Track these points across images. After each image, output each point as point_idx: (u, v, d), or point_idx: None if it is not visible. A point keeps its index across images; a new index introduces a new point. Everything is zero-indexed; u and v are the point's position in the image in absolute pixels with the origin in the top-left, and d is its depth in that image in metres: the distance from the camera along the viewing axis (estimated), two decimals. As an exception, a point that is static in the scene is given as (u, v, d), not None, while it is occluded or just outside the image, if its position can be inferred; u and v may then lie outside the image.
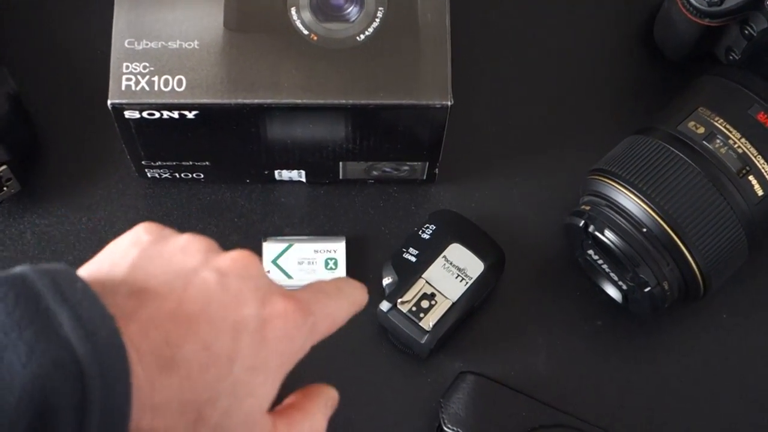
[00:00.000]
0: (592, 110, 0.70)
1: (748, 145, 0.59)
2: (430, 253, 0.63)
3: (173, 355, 0.38)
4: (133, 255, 0.40)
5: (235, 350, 0.39)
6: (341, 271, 0.65)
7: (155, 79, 0.58)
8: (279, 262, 0.65)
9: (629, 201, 0.60)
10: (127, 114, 0.58)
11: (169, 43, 0.58)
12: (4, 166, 0.62)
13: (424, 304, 0.62)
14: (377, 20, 0.59)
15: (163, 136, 0.61)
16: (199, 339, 0.38)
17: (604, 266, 0.63)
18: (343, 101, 0.58)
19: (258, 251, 0.64)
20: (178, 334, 0.38)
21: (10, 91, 0.62)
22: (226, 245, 0.44)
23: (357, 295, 0.46)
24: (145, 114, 0.58)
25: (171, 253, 0.41)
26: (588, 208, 0.61)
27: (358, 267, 0.65)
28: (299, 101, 0.58)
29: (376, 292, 0.63)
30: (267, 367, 0.40)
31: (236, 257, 0.41)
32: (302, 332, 0.42)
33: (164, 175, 0.66)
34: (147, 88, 0.58)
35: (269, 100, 0.58)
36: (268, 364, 0.40)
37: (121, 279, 0.39)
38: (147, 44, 0.58)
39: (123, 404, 0.36)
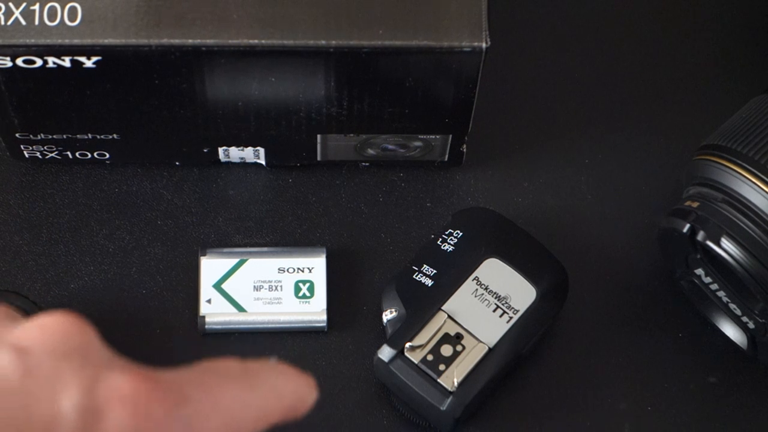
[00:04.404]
0: (696, 58, 0.66)
1: None
2: (454, 273, 0.59)
3: None
4: None
5: None
6: (320, 299, 0.59)
7: (35, 7, 0.54)
8: (225, 286, 0.60)
9: (759, 194, 0.55)
10: (-7, 62, 0.55)
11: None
12: None
13: (446, 350, 0.58)
14: None
15: (47, 96, 0.57)
16: None
17: (721, 294, 0.58)
18: (323, 42, 0.54)
19: (193, 269, 0.60)
20: None
21: None
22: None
23: (288, 387, 0.42)
24: (19, 62, 0.55)
25: None
26: (695, 205, 0.57)
27: (344, 294, 0.61)
28: (255, 42, 0.54)
29: (373, 333, 0.60)
30: None
31: (46, 324, 0.39)
32: (168, 427, 0.39)
33: (50, 155, 0.62)
34: (23, 22, 0.54)
35: (210, 41, 0.54)
36: None
37: None
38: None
39: None
